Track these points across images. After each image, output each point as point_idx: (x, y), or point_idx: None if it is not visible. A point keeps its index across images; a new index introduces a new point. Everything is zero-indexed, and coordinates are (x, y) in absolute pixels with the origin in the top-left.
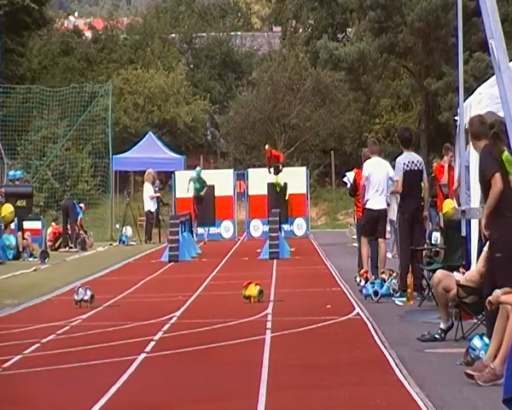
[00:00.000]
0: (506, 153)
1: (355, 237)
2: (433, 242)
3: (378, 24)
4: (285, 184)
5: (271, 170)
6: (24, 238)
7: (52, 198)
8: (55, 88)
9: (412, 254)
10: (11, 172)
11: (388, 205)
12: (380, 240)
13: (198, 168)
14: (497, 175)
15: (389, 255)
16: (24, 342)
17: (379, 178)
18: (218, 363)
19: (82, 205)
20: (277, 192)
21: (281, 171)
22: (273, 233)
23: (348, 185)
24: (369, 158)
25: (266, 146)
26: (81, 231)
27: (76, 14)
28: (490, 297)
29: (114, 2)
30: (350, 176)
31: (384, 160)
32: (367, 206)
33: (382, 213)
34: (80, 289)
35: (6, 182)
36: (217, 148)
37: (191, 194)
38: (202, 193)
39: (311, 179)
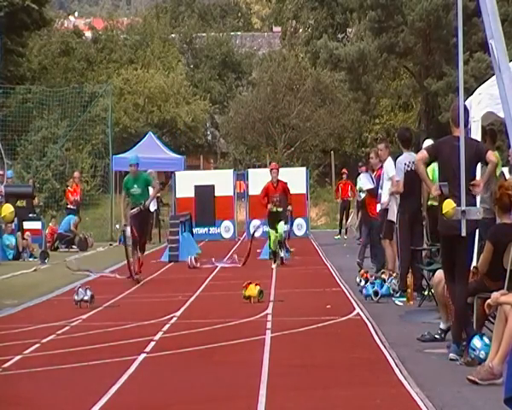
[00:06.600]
0: (495, 152)
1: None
2: None
3: (378, 24)
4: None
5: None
6: (24, 238)
7: (52, 198)
8: (55, 88)
9: (412, 254)
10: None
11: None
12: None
13: (133, 156)
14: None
15: None
16: (24, 342)
17: None
18: (218, 363)
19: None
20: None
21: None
22: None
23: (371, 186)
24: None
25: (273, 164)
26: (79, 232)
27: (76, 14)
28: (489, 300)
29: (114, 2)
30: (364, 178)
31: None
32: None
33: None
34: (80, 290)
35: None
36: (217, 148)
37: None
38: (151, 206)
39: (310, 180)
